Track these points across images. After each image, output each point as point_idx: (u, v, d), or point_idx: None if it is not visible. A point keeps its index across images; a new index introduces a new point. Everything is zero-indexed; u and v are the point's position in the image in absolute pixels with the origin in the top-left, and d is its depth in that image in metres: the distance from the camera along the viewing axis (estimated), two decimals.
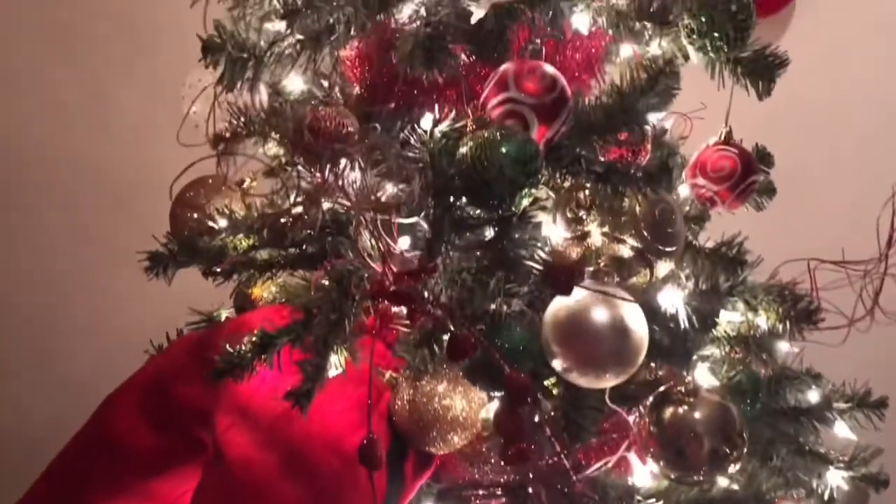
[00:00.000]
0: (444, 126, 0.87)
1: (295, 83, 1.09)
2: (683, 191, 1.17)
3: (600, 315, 0.85)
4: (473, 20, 0.94)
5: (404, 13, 0.89)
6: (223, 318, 1.27)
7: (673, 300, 0.97)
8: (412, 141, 0.88)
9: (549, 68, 0.90)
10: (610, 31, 0.92)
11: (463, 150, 0.84)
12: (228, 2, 1.03)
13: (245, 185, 1.05)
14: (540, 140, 0.89)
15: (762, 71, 1.03)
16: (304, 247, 1.03)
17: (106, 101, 1.95)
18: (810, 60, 1.84)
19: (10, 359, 2.02)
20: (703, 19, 0.98)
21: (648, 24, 0.90)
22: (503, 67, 0.90)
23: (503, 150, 0.83)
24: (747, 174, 1.12)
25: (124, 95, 1.93)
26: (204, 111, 1.00)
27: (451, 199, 0.85)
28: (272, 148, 1.07)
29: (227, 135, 1.05)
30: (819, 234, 1.42)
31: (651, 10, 0.88)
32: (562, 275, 0.82)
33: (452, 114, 0.89)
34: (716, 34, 0.99)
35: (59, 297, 2.02)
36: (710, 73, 1.04)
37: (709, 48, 1.00)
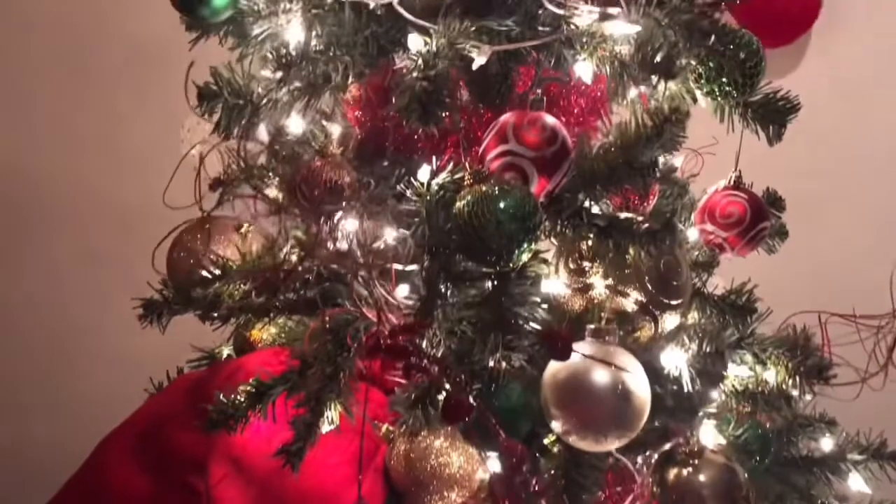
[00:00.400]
0: (441, 178, 0.85)
1: (296, 124, 1.08)
2: (692, 234, 1.14)
3: (601, 377, 0.82)
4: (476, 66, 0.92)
5: (403, 61, 0.86)
6: (224, 356, 1.26)
7: (676, 361, 0.94)
8: (408, 193, 0.86)
9: (550, 119, 0.87)
10: (613, 83, 0.90)
11: (460, 204, 0.82)
12: (229, 42, 1.02)
13: (243, 229, 1.03)
14: (540, 193, 0.86)
15: (773, 116, 1.01)
16: (302, 292, 1.02)
17: (117, 125, 1.95)
18: (825, 94, 1.81)
19: (16, 381, 2.03)
20: (711, 65, 0.95)
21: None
22: (503, 118, 0.88)
23: (501, 205, 0.80)
24: (757, 221, 1.08)
25: (135, 120, 1.93)
26: (206, 156, 0.99)
27: (448, 254, 0.83)
28: (272, 191, 1.06)
29: (225, 178, 1.05)
30: (831, 284, 1.38)
31: (654, 62, 0.86)
32: (559, 340, 0.79)
33: (450, 165, 0.87)
34: (724, 80, 0.97)
35: (66, 319, 2.02)
36: (718, 118, 1.02)
37: (717, 94, 0.98)
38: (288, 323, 1.12)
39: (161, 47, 1.87)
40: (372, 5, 0.93)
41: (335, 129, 1.09)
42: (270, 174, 1.02)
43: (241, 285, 0.97)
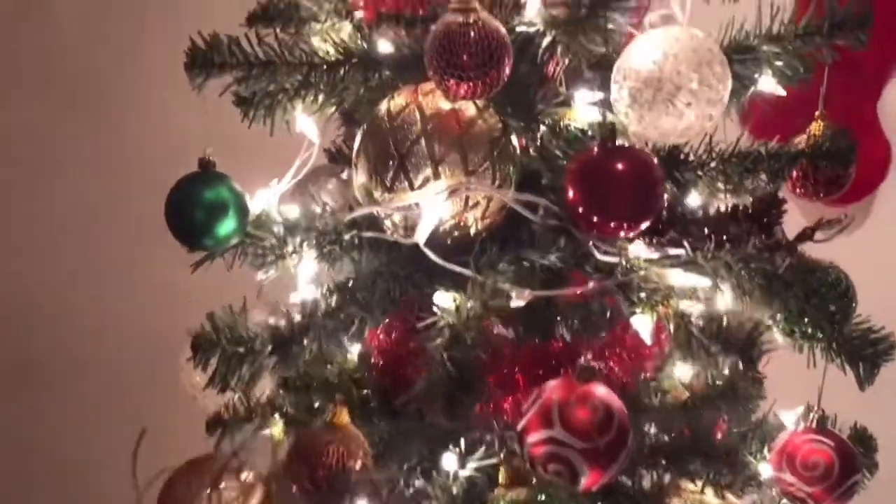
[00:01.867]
0: (470, 466, 0.71)
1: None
2: (765, 470, 0.97)
3: None
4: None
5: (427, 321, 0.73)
6: None
7: None
8: (430, 489, 0.71)
9: (602, 394, 0.72)
10: (679, 353, 0.75)
11: None
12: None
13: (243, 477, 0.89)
14: (592, 487, 0.71)
15: (864, 356, 0.86)
16: None
17: (139, 261, 1.89)
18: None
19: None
20: (793, 311, 0.81)
21: None
22: (547, 391, 0.73)
23: None
24: (848, 474, 0.92)
25: (158, 255, 1.88)
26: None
27: None
28: (278, 430, 0.93)
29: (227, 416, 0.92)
30: None
31: (730, 340, 0.71)
32: None
33: (483, 446, 0.72)
34: (807, 321, 0.83)
35: (92, 447, 1.93)
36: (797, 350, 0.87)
37: (799, 336, 0.83)
38: None
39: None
40: (397, 238, 0.80)
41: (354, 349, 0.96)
42: (277, 414, 0.89)
43: None
